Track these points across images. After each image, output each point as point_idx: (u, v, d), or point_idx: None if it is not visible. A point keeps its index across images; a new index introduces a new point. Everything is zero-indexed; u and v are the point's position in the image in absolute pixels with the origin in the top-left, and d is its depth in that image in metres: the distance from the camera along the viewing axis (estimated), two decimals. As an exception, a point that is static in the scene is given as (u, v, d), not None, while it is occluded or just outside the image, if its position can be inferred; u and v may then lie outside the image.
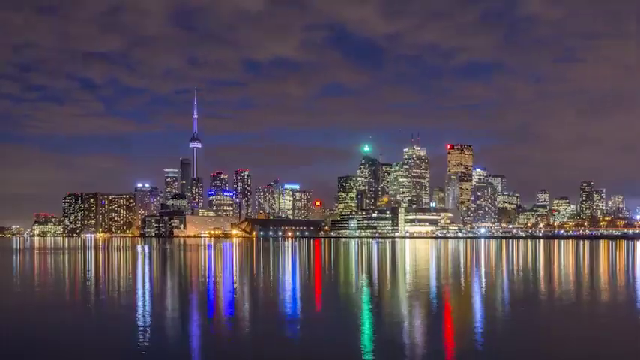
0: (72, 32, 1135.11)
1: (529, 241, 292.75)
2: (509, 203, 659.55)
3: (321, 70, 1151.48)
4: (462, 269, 73.24)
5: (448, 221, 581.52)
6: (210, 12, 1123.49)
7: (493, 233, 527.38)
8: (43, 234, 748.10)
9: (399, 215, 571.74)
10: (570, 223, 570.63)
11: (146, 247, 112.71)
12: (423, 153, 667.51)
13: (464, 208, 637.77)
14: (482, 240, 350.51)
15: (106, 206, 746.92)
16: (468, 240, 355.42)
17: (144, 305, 35.49)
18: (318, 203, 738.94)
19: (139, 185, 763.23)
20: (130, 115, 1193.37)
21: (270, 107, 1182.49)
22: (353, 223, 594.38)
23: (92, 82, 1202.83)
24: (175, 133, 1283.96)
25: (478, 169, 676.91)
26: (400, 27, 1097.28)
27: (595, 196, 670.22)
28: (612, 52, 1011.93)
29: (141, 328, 27.94)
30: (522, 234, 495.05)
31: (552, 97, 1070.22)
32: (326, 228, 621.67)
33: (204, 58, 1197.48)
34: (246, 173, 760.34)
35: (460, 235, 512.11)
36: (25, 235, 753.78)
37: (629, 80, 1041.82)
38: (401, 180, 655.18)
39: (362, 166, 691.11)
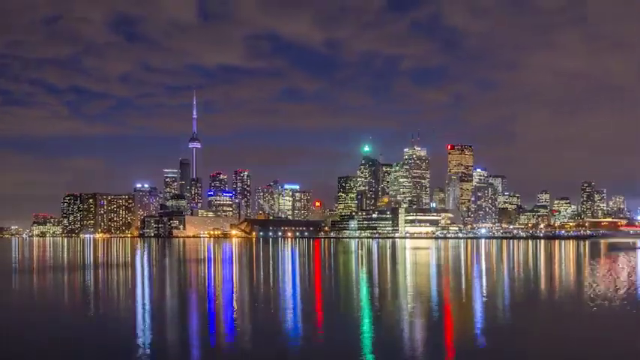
0: (20, 39, 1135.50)
1: (530, 242, 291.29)
2: (510, 203, 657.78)
3: (274, 76, 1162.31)
4: (463, 270, 72.48)
5: (448, 222, 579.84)
6: (149, 21, 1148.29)
7: (494, 234, 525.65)
8: (42, 234, 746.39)
9: (399, 216, 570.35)
10: (571, 224, 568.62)
11: (145, 258, 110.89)
12: (423, 153, 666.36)
13: (464, 209, 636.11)
14: (483, 240, 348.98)
15: (105, 206, 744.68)
16: (469, 240, 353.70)
17: (141, 324, 32.12)
18: (318, 203, 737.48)
19: (138, 185, 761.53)
20: (97, 119, 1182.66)
21: (235, 111, 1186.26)
22: (353, 224, 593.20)
23: (55, 87, 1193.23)
24: (175, 133, 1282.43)
25: (479, 170, 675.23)
26: (336, 36, 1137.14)
27: (596, 196, 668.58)
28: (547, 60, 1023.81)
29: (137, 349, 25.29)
30: (523, 234, 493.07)
31: (502, 102, 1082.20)
32: (326, 228, 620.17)
33: (156, 65, 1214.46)
34: (246, 173, 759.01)
35: (460, 235, 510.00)
36: (24, 236, 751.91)
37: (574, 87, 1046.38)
38: (401, 180, 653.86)
39: (362, 167, 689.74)
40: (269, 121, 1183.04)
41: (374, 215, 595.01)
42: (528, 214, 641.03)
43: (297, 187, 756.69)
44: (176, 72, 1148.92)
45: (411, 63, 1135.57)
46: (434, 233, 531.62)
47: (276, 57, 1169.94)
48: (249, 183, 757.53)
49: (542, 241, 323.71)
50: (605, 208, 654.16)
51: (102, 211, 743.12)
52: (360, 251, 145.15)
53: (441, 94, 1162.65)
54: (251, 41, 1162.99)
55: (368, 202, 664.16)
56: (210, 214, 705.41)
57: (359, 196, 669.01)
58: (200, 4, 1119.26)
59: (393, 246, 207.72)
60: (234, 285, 52.79)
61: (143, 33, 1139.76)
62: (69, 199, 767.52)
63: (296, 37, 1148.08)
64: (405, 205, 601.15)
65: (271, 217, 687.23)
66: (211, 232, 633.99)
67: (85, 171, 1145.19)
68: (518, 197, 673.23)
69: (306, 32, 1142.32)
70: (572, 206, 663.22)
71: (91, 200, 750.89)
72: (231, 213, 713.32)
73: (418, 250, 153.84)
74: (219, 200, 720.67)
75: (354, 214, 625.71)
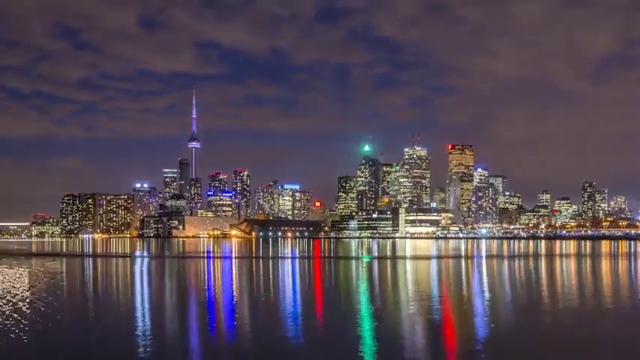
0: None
1: (530, 242, 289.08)
2: (511, 203, 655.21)
3: (231, 82, 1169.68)
4: (464, 270, 71.40)
5: (449, 222, 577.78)
6: (91, 29, 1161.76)
7: (494, 234, 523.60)
8: (41, 234, 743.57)
9: (400, 216, 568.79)
10: (572, 224, 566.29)
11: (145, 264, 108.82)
12: (423, 153, 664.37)
13: (465, 209, 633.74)
14: (484, 241, 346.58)
15: (104, 207, 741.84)
16: (469, 240, 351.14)
17: (141, 326, 31.10)
18: (318, 203, 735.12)
19: (138, 185, 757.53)
20: (65, 121, 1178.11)
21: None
22: (353, 224, 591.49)
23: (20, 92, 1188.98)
24: (174, 133, 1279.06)
25: (479, 169, 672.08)
26: (276, 46, 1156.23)
27: (597, 196, 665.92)
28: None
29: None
30: (524, 234, 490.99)
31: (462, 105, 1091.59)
32: (326, 228, 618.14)
33: (109, 71, 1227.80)
34: (246, 173, 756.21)
35: (461, 235, 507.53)
36: (23, 236, 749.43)
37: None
38: (401, 180, 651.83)
39: (362, 166, 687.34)
40: (234, 122, 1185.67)
41: (374, 215, 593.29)
42: (529, 214, 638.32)
43: (297, 187, 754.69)
44: (131, 77, 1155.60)
45: (360, 70, 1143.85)
46: (434, 233, 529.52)
47: (224, 64, 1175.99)
48: (248, 183, 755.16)
49: (543, 241, 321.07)
50: (606, 209, 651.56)
51: (101, 211, 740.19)
52: (359, 251, 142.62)
53: (398, 97, 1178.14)
54: (198, 49, 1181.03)
55: (368, 202, 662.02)
56: (210, 215, 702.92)
57: (359, 196, 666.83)
58: (140, 14, 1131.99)
59: (394, 246, 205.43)
60: (234, 285, 51.15)
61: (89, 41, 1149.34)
62: (68, 199, 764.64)
63: (235, 44, 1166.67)
64: (405, 205, 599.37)
65: (271, 217, 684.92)
66: (211, 233, 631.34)
67: (84, 171, 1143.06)
68: (519, 197, 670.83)
69: (244, 40, 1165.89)
70: (573, 206, 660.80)
71: (90, 200, 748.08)
72: (230, 213, 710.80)
73: (419, 250, 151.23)
74: (219, 200, 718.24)
75: (354, 214, 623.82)
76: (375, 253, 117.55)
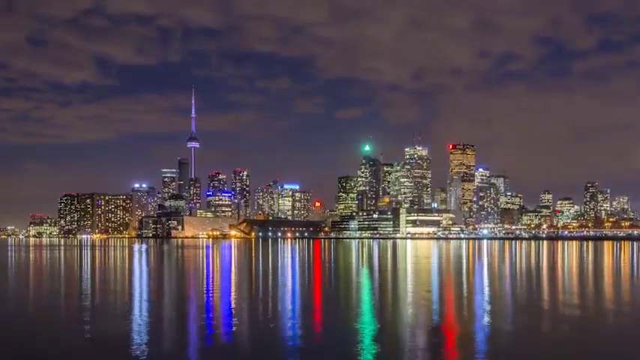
0: None
1: (532, 242, 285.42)
2: (512, 204, 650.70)
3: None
4: (464, 271, 69.90)
5: (450, 222, 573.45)
6: None
7: (496, 234, 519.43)
8: (39, 235, 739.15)
9: (400, 216, 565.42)
10: (574, 224, 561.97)
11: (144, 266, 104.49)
12: (424, 153, 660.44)
13: (466, 209, 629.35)
14: (485, 241, 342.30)
15: (103, 207, 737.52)
16: (470, 241, 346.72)
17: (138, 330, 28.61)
18: (318, 204, 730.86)
19: (136, 185, 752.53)
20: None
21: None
22: (353, 224, 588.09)
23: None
24: (173, 133, 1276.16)
25: (481, 169, 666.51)
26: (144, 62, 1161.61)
27: (599, 196, 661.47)
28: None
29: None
30: (525, 235, 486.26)
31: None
32: (326, 229, 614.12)
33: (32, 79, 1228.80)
34: (245, 173, 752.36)
35: (462, 236, 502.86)
36: (21, 236, 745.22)
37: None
38: (402, 180, 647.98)
39: (362, 166, 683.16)
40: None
41: (375, 215, 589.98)
42: (531, 214, 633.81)
43: (297, 187, 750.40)
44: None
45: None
46: (435, 234, 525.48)
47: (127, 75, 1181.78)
48: (248, 183, 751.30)
49: (545, 241, 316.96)
50: (608, 209, 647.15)
51: (99, 212, 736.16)
52: (360, 253, 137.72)
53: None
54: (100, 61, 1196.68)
55: (369, 202, 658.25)
56: (209, 215, 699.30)
57: (359, 196, 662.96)
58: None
59: (394, 247, 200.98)
60: (232, 284, 48.34)
61: None
62: (66, 200, 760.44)
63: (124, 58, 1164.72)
64: (406, 206, 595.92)
65: (271, 218, 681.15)
66: (210, 233, 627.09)
67: (83, 171, 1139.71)
68: (520, 197, 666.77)
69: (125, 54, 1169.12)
70: (576, 206, 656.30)
71: (88, 200, 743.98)
72: (230, 213, 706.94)
73: (419, 250, 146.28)
74: (218, 200, 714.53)
75: (354, 214, 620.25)
76: (376, 259, 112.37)
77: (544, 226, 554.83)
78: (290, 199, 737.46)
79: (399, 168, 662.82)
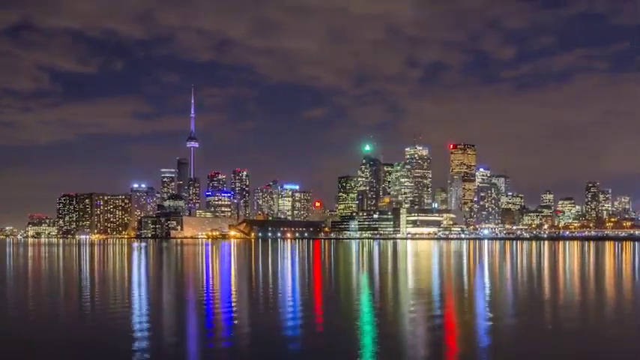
0: None
1: (533, 243, 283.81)
2: (513, 204, 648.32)
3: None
4: (465, 272, 69.17)
5: (451, 222, 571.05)
6: None
7: (497, 234, 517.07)
8: (37, 235, 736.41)
9: (401, 216, 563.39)
10: (575, 224, 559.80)
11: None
12: (425, 152, 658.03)
13: (467, 209, 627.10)
14: (486, 241, 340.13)
15: (102, 207, 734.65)
16: (471, 241, 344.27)
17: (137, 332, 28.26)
18: (318, 204, 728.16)
19: (135, 185, 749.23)
20: None
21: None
22: (353, 224, 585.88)
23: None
24: (173, 133, 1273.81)
25: (481, 169, 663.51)
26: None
27: (601, 196, 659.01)
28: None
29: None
30: (526, 235, 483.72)
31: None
32: (326, 229, 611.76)
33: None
34: (245, 173, 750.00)
35: (463, 236, 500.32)
36: (19, 237, 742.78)
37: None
38: (402, 180, 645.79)
39: (362, 166, 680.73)
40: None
41: (375, 216, 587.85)
42: (532, 214, 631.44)
43: (297, 187, 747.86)
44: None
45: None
46: (436, 234, 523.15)
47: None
48: (248, 183, 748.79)
49: (546, 242, 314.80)
50: (610, 209, 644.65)
51: (98, 212, 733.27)
52: (360, 254, 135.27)
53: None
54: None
55: (369, 202, 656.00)
56: (209, 215, 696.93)
57: (360, 197, 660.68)
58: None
59: (395, 247, 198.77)
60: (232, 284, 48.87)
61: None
62: (65, 200, 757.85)
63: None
64: (406, 206, 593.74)
65: (270, 218, 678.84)
66: (209, 233, 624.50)
67: (82, 171, 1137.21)
68: (521, 197, 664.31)
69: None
70: (577, 207, 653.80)
71: (87, 200, 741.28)
72: (229, 213, 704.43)
73: (420, 251, 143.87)
74: (218, 200, 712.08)
75: (354, 214, 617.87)
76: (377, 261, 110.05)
77: (545, 227, 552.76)
78: (290, 199, 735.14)
79: (399, 168, 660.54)
